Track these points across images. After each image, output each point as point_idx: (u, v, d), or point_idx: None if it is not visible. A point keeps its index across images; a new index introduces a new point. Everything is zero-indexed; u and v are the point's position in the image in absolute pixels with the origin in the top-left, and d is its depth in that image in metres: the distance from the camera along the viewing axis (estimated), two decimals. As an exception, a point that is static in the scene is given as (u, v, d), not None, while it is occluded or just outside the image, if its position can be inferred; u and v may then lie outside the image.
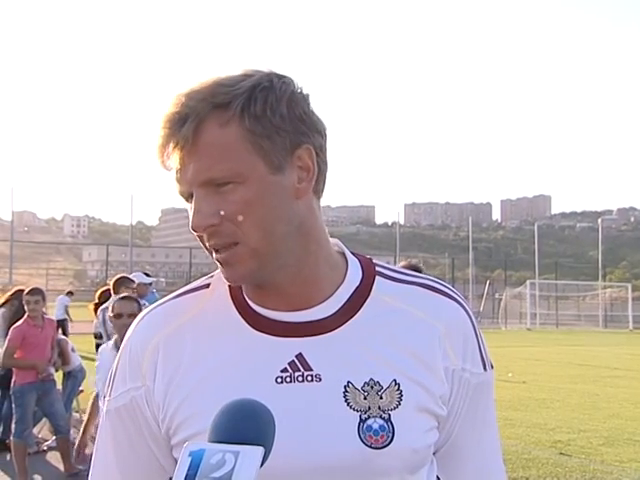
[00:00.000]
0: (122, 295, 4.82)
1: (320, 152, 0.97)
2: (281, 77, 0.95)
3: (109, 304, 4.58)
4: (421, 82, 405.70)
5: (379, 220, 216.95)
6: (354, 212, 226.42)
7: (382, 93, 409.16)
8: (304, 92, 0.96)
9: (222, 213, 0.92)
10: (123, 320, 4.26)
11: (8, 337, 6.05)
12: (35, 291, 6.10)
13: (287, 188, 0.94)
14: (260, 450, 0.72)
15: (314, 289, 0.99)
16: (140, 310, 4.34)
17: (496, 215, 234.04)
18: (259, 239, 0.93)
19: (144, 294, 7.17)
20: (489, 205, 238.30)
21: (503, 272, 45.95)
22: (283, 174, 0.93)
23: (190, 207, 0.95)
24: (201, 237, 0.95)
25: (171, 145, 0.91)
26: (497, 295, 38.72)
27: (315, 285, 0.99)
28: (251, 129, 0.91)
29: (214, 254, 0.96)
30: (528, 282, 36.06)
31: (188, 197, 0.95)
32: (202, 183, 0.91)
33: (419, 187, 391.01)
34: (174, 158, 0.92)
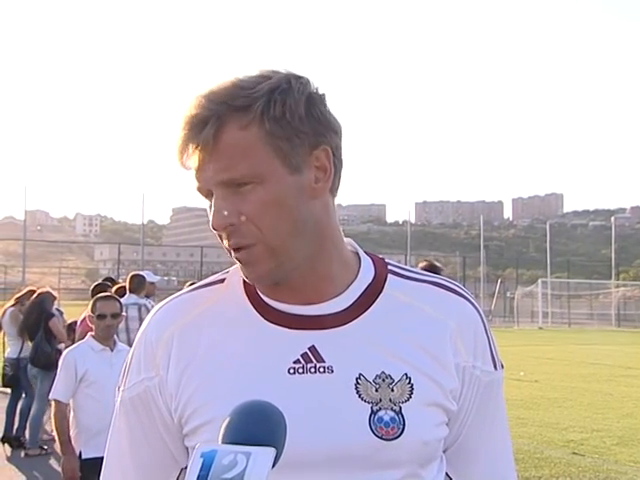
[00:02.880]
0: (103, 294, 4.50)
1: (336, 151, 0.99)
2: (299, 78, 0.97)
3: (90, 303, 4.19)
4: (432, 80, 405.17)
5: (390, 219, 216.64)
6: (365, 211, 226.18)
7: (393, 91, 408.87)
8: (320, 92, 0.98)
9: (242, 216, 0.93)
10: (107, 321, 4.05)
11: (79, 334, 6.00)
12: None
13: (304, 188, 0.96)
14: (272, 451, 0.72)
15: (326, 285, 1.01)
16: (122, 309, 4.23)
17: (508, 213, 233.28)
18: (277, 239, 0.94)
19: (152, 293, 7.21)
20: (501, 203, 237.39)
21: (514, 271, 45.67)
22: (301, 175, 0.95)
23: (209, 205, 0.97)
24: (220, 236, 0.97)
25: (191, 147, 0.94)
26: (509, 294, 38.52)
27: (328, 282, 1.01)
28: (271, 132, 0.93)
29: (233, 253, 0.97)
30: (540, 281, 35.81)
31: (207, 195, 0.97)
32: (222, 183, 0.93)
33: (430, 186, 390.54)
34: (194, 159, 0.94)
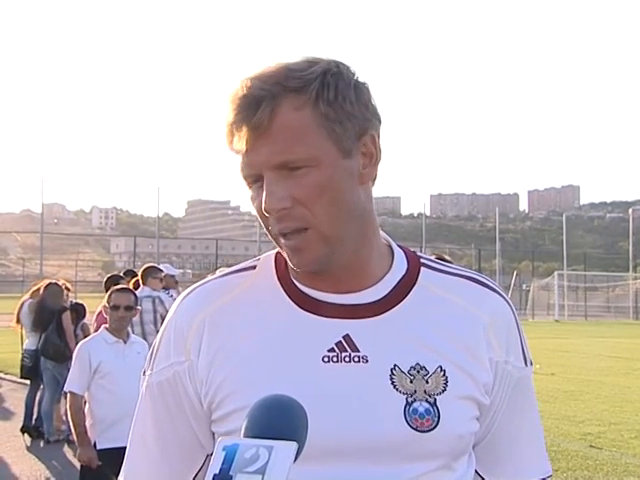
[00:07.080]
0: (119, 287, 4.65)
1: (379, 140, 0.99)
2: (345, 65, 0.97)
3: (107, 295, 4.33)
4: (447, 71, 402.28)
5: (405, 211, 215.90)
6: (380, 203, 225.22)
7: (407, 83, 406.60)
8: (362, 81, 0.98)
9: (295, 200, 0.92)
10: (120, 312, 4.14)
11: (95, 328, 6.03)
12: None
13: (355, 174, 0.96)
14: (294, 445, 0.72)
15: (364, 275, 1.00)
16: (137, 302, 4.31)
17: (523, 206, 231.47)
18: (329, 224, 0.93)
19: (170, 286, 7.24)
20: (516, 196, 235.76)
21: (530, 263, 45.40)
22: (352, 159, 0.95)
23: (252, 192, 0.95)
24: (266, 222, 0.95)
25: (244, 128, 0.92)
26: (524, 286, 38.30)
27: (366, 271, 1.00)
28: (325, 114, 0.92)
29: (281, 240, 0.95)
30: (556, 273, 35.55)
31: (253, 181, 0.95)
32: (276, 166, 0.92)
33: (445, 178, 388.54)
34: (245, 141, 0.92)
